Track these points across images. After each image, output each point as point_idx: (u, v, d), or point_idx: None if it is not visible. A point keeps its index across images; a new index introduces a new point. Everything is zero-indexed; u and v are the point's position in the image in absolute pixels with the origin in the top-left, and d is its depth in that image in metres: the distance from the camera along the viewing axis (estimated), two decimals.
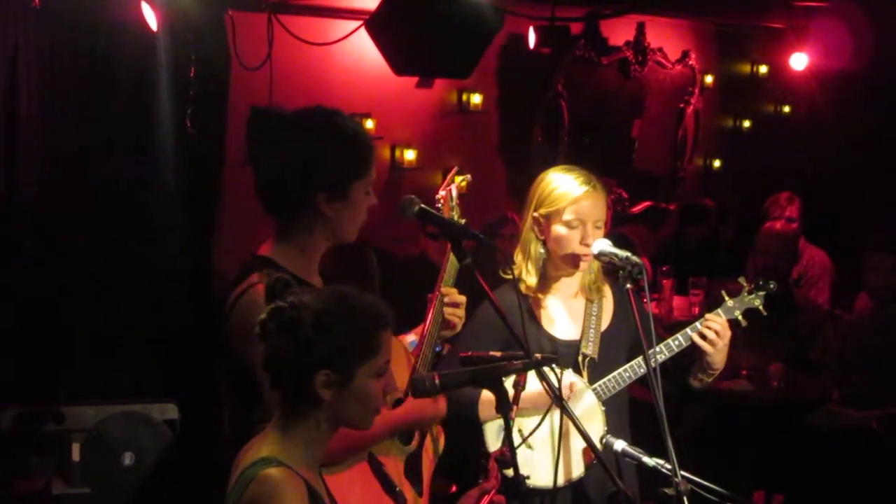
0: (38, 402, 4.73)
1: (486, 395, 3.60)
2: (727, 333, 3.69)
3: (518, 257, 3.83)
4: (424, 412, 3.26)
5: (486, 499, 2.84)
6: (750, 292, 3.86)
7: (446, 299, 3.45)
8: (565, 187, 3.73)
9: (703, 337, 3.68)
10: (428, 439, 3.44)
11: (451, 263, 3.46)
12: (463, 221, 3.53)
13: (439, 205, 3.54)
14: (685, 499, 3.08)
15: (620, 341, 3.79)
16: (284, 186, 3.04)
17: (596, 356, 3.73)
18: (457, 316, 3.46)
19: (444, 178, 7.42)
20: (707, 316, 3.72)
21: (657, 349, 3.68)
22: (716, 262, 8.10)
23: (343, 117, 3.13)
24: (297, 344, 2.44)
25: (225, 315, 2.97)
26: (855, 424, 5.90)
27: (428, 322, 3.43)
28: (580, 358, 3.72)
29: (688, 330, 3.72)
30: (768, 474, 6.08)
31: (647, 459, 3.39)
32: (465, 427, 3.68)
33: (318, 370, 2.45)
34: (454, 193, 3.57)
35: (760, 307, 3.86)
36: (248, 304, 2.88)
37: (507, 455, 2.89)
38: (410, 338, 3.58)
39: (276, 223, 3.12)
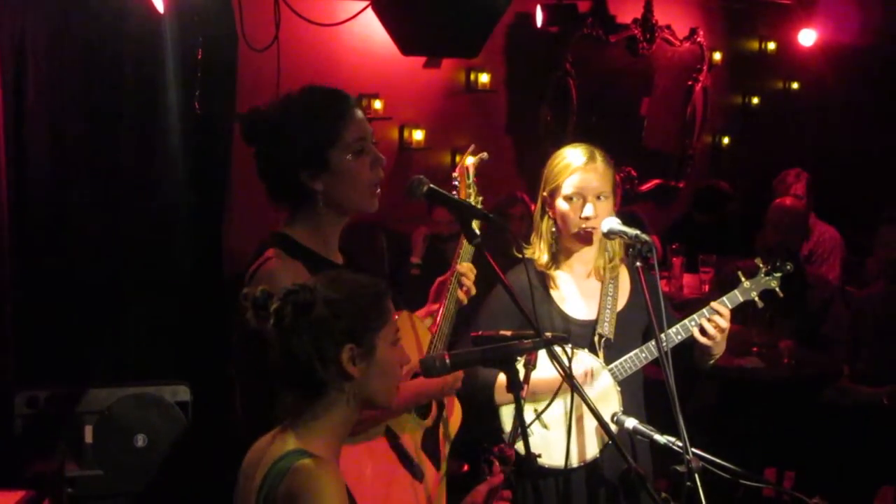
0: (51, 385, 4.75)
1: (503, 380, 3.61)
2: (727, 327, 3.69)
3: (533, 239, 3.85)
4: (442, 382, 3.26)
5: (496, 495, 2.84)
6: (767, 273, 3.86)
7: (462, 278, 3.46)
8: (564, 162, 3.75)
9: (703, 332, 3.68)
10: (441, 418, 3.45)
11: (466, 245, 3.47)
12: (480, 199, 3.54)
13: (455, 182, 3.55)
14: (697, 476, 3.08)
15: (636, 321, 3.79)
16: (270, 173, 3.06)
17: (612, 336, 3.73)
18: (468, 283, 3.48)
19: (454, 157, 7.50)
20: (713, 306, 3.71)
21: (674, 330, 3.69)
22: (725, 239, 8.09)
23: (310, 90, 3.11)
24: (316, 326, 2.44)
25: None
26: (866, 400, 5.91)
27: (445, 299, 3.44)
28: (596, 338, 3.73)
29: (704, 311, 3.71)
30: (780, 451, 6.08)
31: (658, 437, 3.40)
32: (480, 409, 3.69)
33: (342, 346, 2.46)
34: (471, 171, 3.56)
35: (777, 288, 3.86)
36: (265, 276, 2.89)
37: (507, 452, 2.89)
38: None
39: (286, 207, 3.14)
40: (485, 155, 3.62)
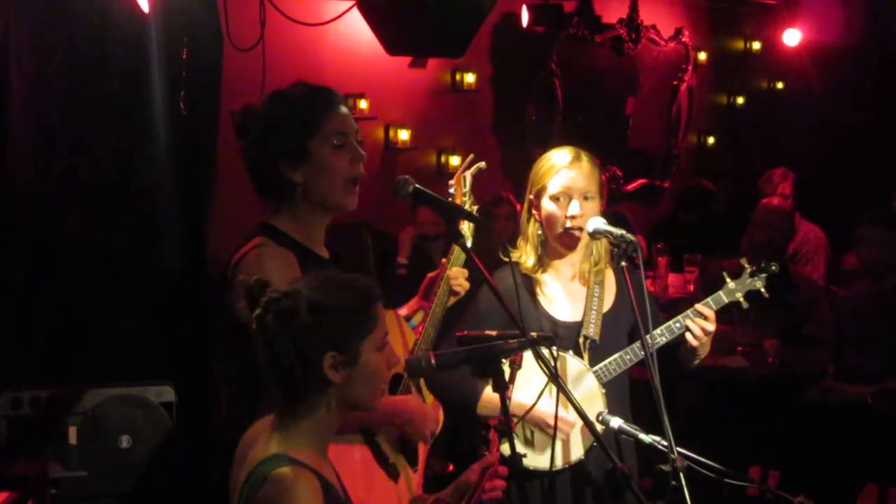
0: (35, 387, 4.73)
1: (488, 395, 3.62)
2: (713, 329, 3.70)
3: (519, 241, 3.85)
4: (423, 416, 3.27)
5: (490, 472, 2.83)
6: (752, 274, 3.86)
7: (453, 282, 3.47)
8: (549, 163, 3.76)
9: (688, 330, 3.69)
10: None
11: (458, 248, 3.48)
12: (475, 208, 3.56)
13: (451, 191, 3.56)
14: (681, 475, 3.09)
15: (622, 323, 3.79)
16: (253, 164, 3.10)
17: (597, 338, 3.72)
18: (462, 287, 3.50)
19: (440, 157, 7.51)
20: (698, 308, 3.71)
21: (658, 332, 3.69)
22: (710, 238, 8.11)
23: (298, 84, 3.16)
24: (298, 332, 2.42)
25: (228, 278, 2.97)
26: (850, 399, 5.91)
27: (433, 301, 3.45)
28: (581, 339, 3.72)
29: (689, 312, 3.71)
30: (764, 450, 6.09)
31: (643, 436, 3.40)
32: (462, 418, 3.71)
33: (323, 353, 2.44)
34: (468, 181, 3.58)
35: (762, 289, 3.86)
36: (254, 261, 2.90)
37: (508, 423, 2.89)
38: (402, 312, 3.59)
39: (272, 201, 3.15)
40: (483, 164, 3.63)
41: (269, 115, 3.08)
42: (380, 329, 2.53)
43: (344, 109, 3.13)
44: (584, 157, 3.76)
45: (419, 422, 3.27)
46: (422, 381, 3.49)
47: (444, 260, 3.56)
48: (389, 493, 3.18)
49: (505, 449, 2.93)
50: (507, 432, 2.84)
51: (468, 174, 3.60)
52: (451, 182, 3.58)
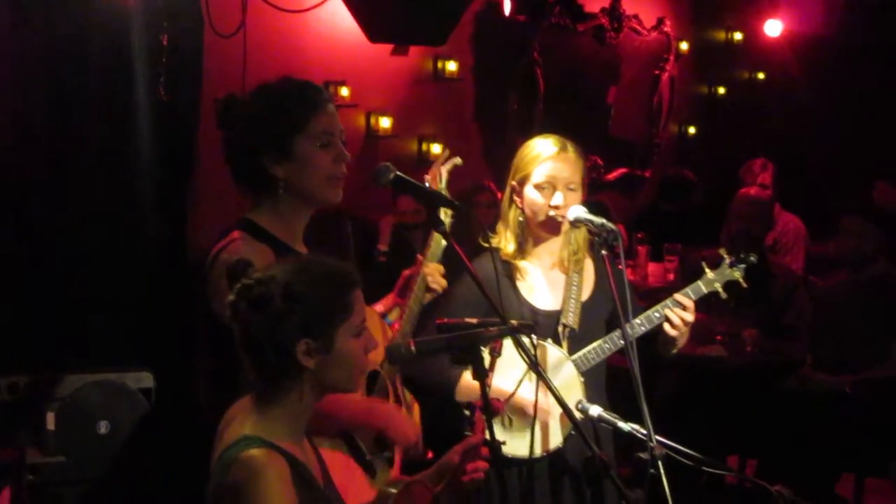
0: (13, 372, 4.71)
1: (465, 381, 3.63)
2: (692, 319, 3.70)
3: (499, 227, 3.84)
4: (401, 419, 3.27)
5: (472, 453, 2.82)
6: (731, 264, 3.85)
7: (429, 278, 3.46)
8: (535, 151, 3.75)
9: (667, 320, 3.69)
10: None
11: (436, 241, 3.47)
12: None
13: (427, 185, 3.54)
14: (660, 463, 3.10)
15: (601, 311, 3.79)
16: (234, 156, 3.08)
17: (576, 326, 3.72)
18: (438, 284, 3.49)
19: (421, 145, 7.49)
20: (677, 298, 3.71)
21: (638, 321, 3.69)
22: (690, 228, 8.12)
23: (286, 79, 3.13)
24: (271, 318, 2.42)
25: (205, 273, 2.96)
26: (828, 389, 5.94)
27: (409, 299, 3.44)
28: (560, 328, 3.72)
29: (668, 302, 3.71)
30: (742, 439, 6.12)
31: (622, 424, 3.40)
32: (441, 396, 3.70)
33: (297, 340, 2.43)
34: (444, 176, 3.56)
35: (741, 279, 3.87)
36: (228, 259, 2.88)
37: (494, 404, 2.88)
38: (378, 308, 3.59)
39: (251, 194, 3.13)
40: (458, 161, 3.61)
41: (254, 109, 3.04)
42: (356, 315, 2.52)
43: (331, 108, 3.10)
44: (570, 149, 3.75)
45: (398, 424, 3.26)
46: (397, 386, 3.48)
47: (419, 256, 3.55)
48: (363, 489, 3.17)
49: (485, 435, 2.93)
50: (489, 415, 2.84)
51: (444, 169, 3.57)
52: (427, 177, 3.55)
